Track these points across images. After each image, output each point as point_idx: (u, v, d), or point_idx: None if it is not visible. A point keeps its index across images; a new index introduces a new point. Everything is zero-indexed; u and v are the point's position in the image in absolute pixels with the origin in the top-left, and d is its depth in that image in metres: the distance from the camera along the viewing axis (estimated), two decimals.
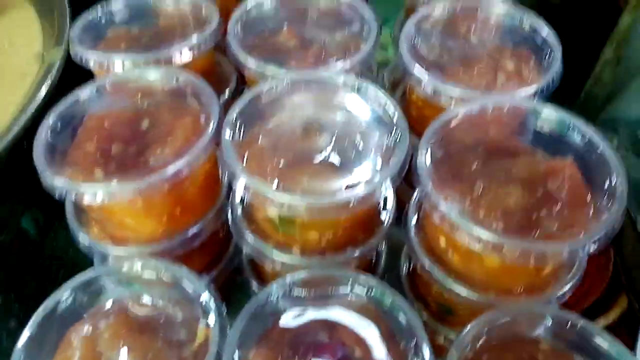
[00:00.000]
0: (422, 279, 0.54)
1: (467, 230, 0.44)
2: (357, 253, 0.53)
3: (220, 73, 0.73)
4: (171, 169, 0.47)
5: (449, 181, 0.48)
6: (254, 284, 0.61)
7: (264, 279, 0.61)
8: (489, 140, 0.52)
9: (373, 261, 0.62)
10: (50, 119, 0.53)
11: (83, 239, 0.56)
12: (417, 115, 0.65)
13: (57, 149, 0.52)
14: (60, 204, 0.56)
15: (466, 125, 0.52)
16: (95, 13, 0.70)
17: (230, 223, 0.56)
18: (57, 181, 0.48)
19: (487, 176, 0.48)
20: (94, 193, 0.47)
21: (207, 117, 0.52)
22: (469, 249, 0.46)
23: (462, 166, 0.50)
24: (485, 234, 0.43)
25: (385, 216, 0.56)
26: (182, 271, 0.49)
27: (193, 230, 0.54)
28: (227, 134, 0.50)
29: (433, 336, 0.56)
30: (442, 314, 0.57)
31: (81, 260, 0.65)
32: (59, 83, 0.67)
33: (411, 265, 0.60)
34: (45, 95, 0.65)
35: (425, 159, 0.48)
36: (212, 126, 0.51)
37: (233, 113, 0.51)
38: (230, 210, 0.56)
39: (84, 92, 0.57)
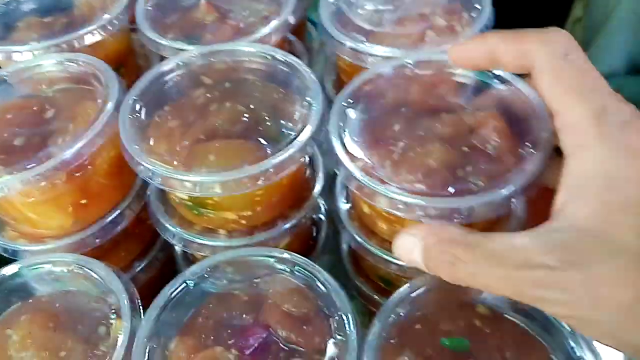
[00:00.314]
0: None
1: (385, 196, 0.40)
2: (285, 228, 0.50)
3: (140, 54, 0.69)
4: (64, 156, 0.44)
5: (366, 146, 0.44)
6: None
7: None
8: (412, 100, 0.49)
9: (314, 235, 0.59)
10: None
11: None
12: (347, 81, 0.61)
13: None
14: None
15: (385, 85, 0.49)
16: (3, 3, 0.66)
17: (149, 212, 0.52)
18: None
19: (408, 137, 0.45)
20: None
21: (109, 102, 0.48)
22: (391, 215, 0.43)
23: (382, 129, 0.46)
24: (404, 197, 0.39)
25: (314, 185, 0.53)
26: (94, 264, 0.46)
27: (107, 220, 0.51)
28: (125, 115, 0.46)
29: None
30: (383, 286, 0.54)
31: None
32: None
33: None
34: None
35: (336, 124, 0.44)
36: (108, 109, 0.47)
37: (132, 94, 0.48)
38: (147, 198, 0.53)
39: None
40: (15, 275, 0.47)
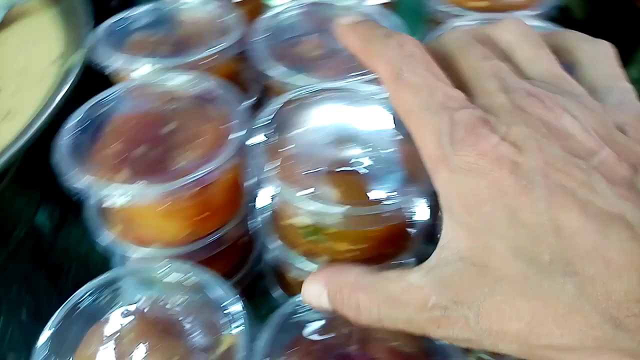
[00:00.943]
0: None
1: None
2: (390, 264, 0.50)
3: (241, 81, 0.71)
4: (200, 174, 0.45)
5: None
6: (277, 292, 0.59)
7: (287, 287, 0.59)
8: None
9: None
10: (74, 119, 0.51)
11: (105, 238, 0.54)
12: None
13: (80, 149, 0.50)
14: (74, 201, 0.54)
15: None
16: (118, 19, 0.68)
17: (254, 230, 0.53)
18: (81, 182, 0.46)
19: None
20: (120, 195, 0.45)
21: (233, 124, 0.51)
22: None
23: None
24: None
25: (415, 230, 0.54)
26: (208, 275, 0.47)
27: (217, 235, 0.52)
28: (256, 138, 0.48)
29: None
30: None
31: (93, 258, 0.66)
32: (77, 87, 0.66)
33: None
34: (62, 98, 0.63)
35: None
36: (240, 132, 0.49)
37: (262, 119, 0.49)
38: (254, 217, 0.54)
39: (109, 94, 0.55)
40: (128, 277, 0.48)
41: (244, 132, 0.49)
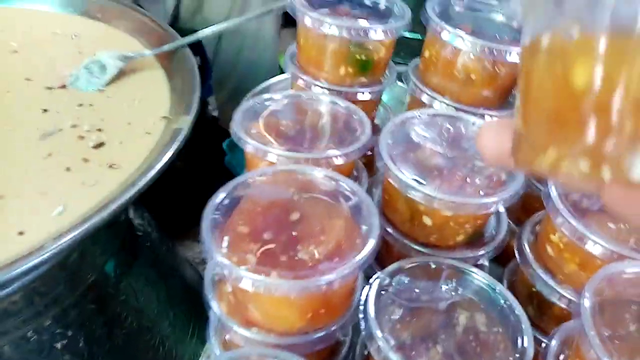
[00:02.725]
0: None
1: None
2: None
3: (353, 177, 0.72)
4: (331, 278, 0.46)
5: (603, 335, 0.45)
6: None
7: None
8: None
9: None
10: (219, 196, 0.54)
11: (214, 310, 0.54)
12: None
13: (218, 225, 0.52)
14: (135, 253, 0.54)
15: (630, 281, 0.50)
16: (256, 98, 0.72)
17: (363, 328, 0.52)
18: (221, 260, 0.48)
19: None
20: (250, 281, 0.46)
21: (364, 227, 0.51)
22: None
23: (616, 323, 0.46)
24: None
25: None
26: None
27: (327, 332, 0.52)
28: None
29: None
30: None
31: (148, 311, 0.68)
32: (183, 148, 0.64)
33: None
34: (169, 158, 0.59)
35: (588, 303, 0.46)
36: (375, 241, 0.49)
37: None
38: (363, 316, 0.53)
39: (251, 176, 0.57)
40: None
41: (375, 238, 0.49)
